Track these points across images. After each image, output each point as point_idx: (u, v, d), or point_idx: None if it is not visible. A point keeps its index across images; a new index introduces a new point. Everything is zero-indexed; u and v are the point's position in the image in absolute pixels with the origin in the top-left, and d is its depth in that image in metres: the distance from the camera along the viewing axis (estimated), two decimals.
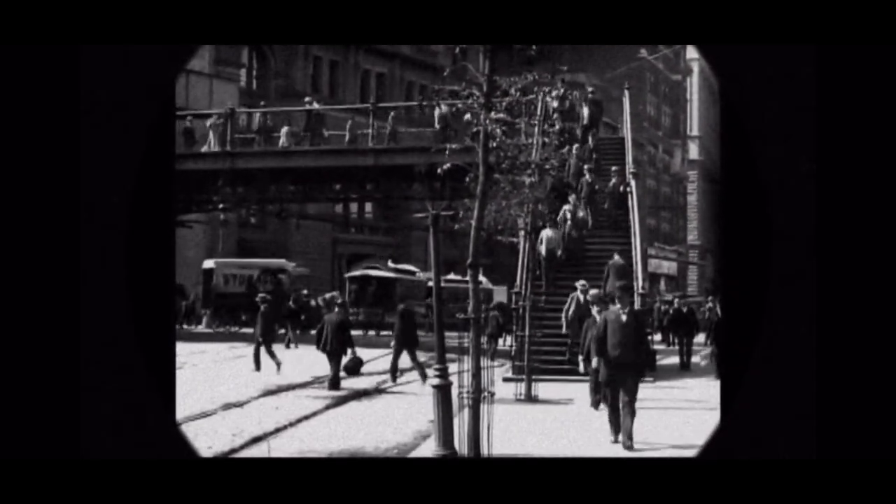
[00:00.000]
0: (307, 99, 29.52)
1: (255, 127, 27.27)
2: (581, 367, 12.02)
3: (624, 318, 9.44)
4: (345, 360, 15.08)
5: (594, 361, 9.67)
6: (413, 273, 36.47)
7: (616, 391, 9.49)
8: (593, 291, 13.88)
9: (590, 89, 22.46)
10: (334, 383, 14.88)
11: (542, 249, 17.61)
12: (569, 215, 18.00)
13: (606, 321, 9.58)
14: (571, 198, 18.39)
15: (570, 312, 14.81)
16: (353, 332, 15.83)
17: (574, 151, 19.49)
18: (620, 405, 9.32)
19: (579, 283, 14.99)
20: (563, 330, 15.10)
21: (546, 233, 17.66)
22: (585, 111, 21.02)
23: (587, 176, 19.01)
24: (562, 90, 19.79)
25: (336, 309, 16.15)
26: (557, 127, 19.03)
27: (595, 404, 12.00)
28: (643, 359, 9.72)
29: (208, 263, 35.27)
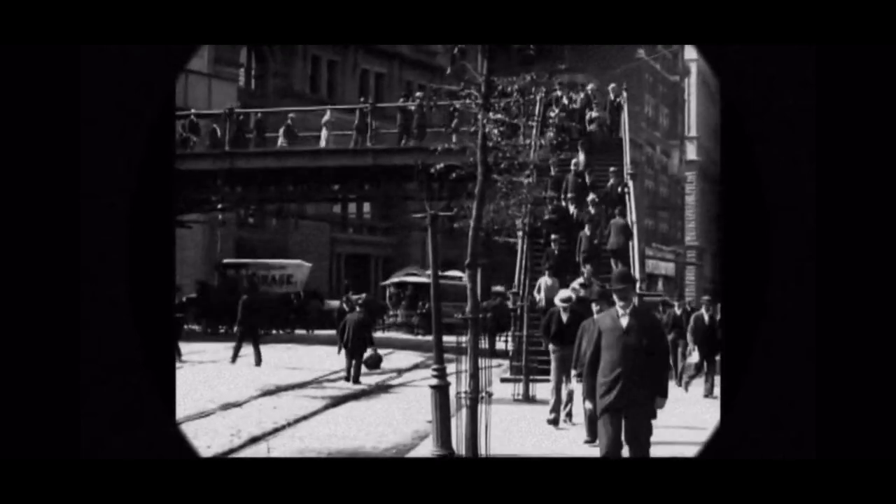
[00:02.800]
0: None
1: (356, 124, 26.29)
2: (572, 382, 10.28)
3: (624, 322, 6.32)
4: (366, 355, 16.29)
5: (586, 405, 6.76)
6: (459, 278, 37.03)
7: (617, 433, 6.35)
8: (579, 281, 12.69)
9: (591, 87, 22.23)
10: (356, 378, 15.89)
11: (541, 298, 15.42)
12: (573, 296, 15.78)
13: (599, 330, 6.45)
14: (587, 268, 15.81)
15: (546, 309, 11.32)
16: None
17: (570, 175, 18.49)
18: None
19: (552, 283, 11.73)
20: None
21: (544, 281, 15.70)
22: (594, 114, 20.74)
23: (586, 230, 16.85)
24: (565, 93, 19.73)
25: (357, 309, 17.64)
26: (555, 122, 18.94)
27: (590, 441, 9.33)
28: (659, 386, 6.39)
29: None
